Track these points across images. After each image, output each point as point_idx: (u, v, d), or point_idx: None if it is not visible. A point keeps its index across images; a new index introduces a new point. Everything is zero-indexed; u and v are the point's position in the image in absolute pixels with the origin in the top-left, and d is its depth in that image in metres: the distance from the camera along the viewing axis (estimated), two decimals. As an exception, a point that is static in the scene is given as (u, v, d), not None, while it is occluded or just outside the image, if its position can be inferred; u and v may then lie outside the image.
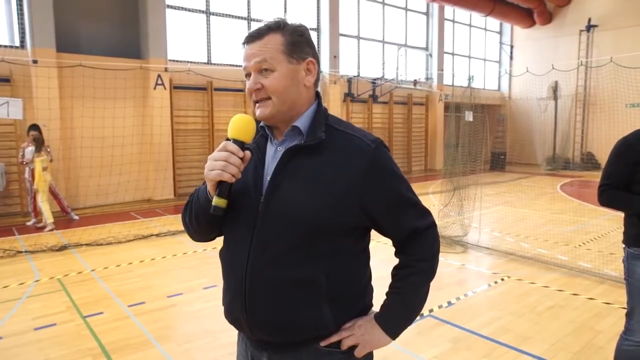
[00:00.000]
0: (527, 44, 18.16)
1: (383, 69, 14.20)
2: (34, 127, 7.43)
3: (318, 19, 12.72)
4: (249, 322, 1.21)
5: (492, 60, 19.02)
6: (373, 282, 1.35)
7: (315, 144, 1.17)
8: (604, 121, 14.93)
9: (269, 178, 1.19)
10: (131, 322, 3.82)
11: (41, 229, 7.25)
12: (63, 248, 6.08)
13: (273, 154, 1.23)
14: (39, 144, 7.20)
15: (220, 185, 1.14)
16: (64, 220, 7.81)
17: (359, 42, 13.94)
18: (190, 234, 1.35)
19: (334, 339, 1.21)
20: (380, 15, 14.46)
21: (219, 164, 1.12)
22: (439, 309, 4.06)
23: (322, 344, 1.21)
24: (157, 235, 6.76)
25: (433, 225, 1.28)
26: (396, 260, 1.31)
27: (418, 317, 3.77)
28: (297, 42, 1.20)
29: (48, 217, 7.23)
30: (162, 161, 9.63)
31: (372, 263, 1.33)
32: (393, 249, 1.32)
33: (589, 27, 16.22)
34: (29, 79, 8.13)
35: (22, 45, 8.37)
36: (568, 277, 4.87)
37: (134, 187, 9.28)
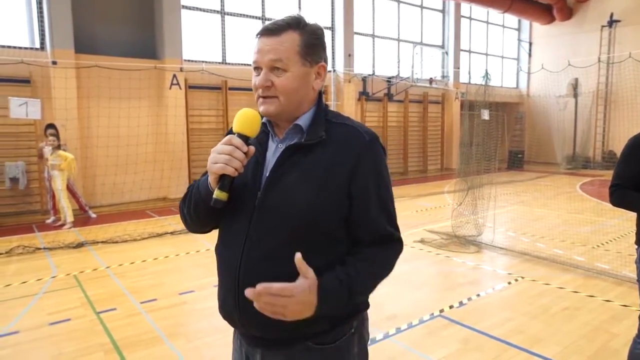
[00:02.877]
0: (546, 41, 17.82)
1: (398, 67, 14.06)
2: (51, 126, 7.59)
3: (332, 18, 12.65)
4: (242, 317, 1.21)
5: (510, 57, 18.72)
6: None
7: (315, 143, 1.18)
8: (626, 119, 14.56)
9: (267, 174, 1.20)
10: (143, 318, 3.87)
11: (60, 226, 7.38)
12: (80, 245, 6.18)
13: (274, 151, 1.24)
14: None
15: (223, 178, 1.14)
16: (81, 218, 7.96)
17: (373, 41, 13.86)
18: (186, 224, 1.35)
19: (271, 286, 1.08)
20: (395, 13, 14.37)
21: (223, 158, 1.12)
22: (450, 309, 4.01)
23: (315, 343, 1.20)
24: (171, 233, 6.82)
25: (401, 240, 1.26)
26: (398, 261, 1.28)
27: (428, 317, 3.77)
28: (314, 45, 1.20)
29: (69, 216, 7.37)
30: (177, 160, 9.69)
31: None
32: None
33: (611, 23, 15.82)
34: (48, 80, 8.28)
35: (42, 47, 8.54)
36: (584, 279, 4.76)
37: (149, 186, 9.37)
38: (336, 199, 1.16)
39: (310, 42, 1.19)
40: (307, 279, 1.09)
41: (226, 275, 1.24)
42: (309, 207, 1.14)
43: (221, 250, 1.28)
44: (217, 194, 1.13)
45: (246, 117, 1.17)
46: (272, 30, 1.17)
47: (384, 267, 1.23)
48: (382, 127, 13.69)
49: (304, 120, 1.22)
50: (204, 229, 1.36)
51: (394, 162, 14.06)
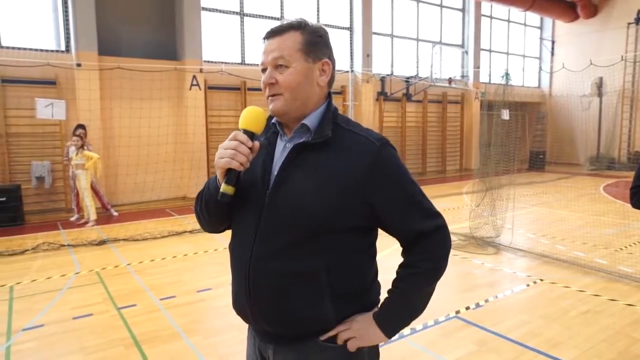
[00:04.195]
0: (570, 39, 17.44)
1: (417, 67, 13.95)
2: (80, 126, 7.79)
3: (351, 18, 12.62)
4: (253, 313, 1.24)
5: (532, 56, 18.38)
6: (387, 279, 1.34)
7: (322, 142, 1.20)
8: (653, 119, 14.13)
9: (276, 171, 1.22)
10: (162, 314, 3.96)
11: (83, 224, 7.53)
12: (102, 243, 6.31)
13: (282, 150, 1.26)
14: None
15: (229, 173, 1.17)
16: (104, 216, 8.12)
17: (392, 41, 13.78)
18: (200, 223, 1.39)
19: (332, 333, 1.22)
20: (414, 13, 14.28)
21: (229, 152, 1.16)
22: (466, 310, 3.99)
23: (322, 338, 1.23)
24: (190, 232, 6.91)
25: (441, 227, 1.26)
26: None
27: (443, 318, 3.74)
28: (315, 42, 1.23)
29: (92, 214, 7.53)
30: (196, 160, 9.78)
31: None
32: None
33: (638, 20, 15.39)
34: (72, 82, 8.49)
35: (67, 49, 8.75)
36: (606, 282, 4.66)
37: (169, 185, 9.54)
38: (344, 202, 1.16)
39: (312, 40, 1.22)
40: (350, 329, 1.23)
41: (238, 271, 1.27)
42: (314, 205, 1.15)
43: (233, 247, 1.31)
44: (224, 187, 1.16)
45: (251, 114, 1.22)
46: (275, 32, 1.22)
47: (437, 262, 1.26)
48: (400, 128, 13.64)
49: (311, 120, 1.24)
50: (216, 228, 1.38)
51: (412, 163, 13.97)
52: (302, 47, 1.21)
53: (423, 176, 14.00)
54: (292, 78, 1.20)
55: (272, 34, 1.23)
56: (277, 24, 1.25)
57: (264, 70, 1.24)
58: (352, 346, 1.23)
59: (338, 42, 12.36)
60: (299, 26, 1.22)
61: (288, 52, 1.19)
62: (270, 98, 1.24)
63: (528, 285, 4.63)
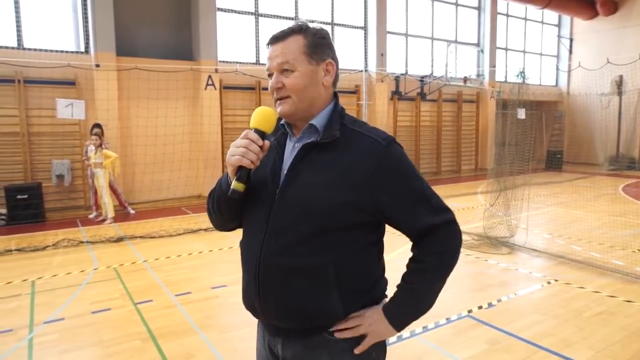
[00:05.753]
0: (589, 37, 17.11)
1: (432, 66, 13.79)
2: (97, 125, 7.86)
3: (365, 17, 12.59)
4: (262, 307, 1.28)
5: (550, 54, 18.09)
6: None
7: (330, 142, 1.23)
8: (675, 118, 13.77)
9: (286, 170, 1.26)
10: (177, 310, 4.04)
11: (101, 221, 7.64)
12: (120, 240, 6.40)
13: (291, 150, 1.30)
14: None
15: (240, 170, 1.20)
16: (121, 213, 8.23)
17: (407, 40, 13.72)
18: (212, 220, 1.43)
19: (341, 326, 1.25)
20: (429, 12, 14.18)
21: (240, 150, 1.19)
22: (479, 309, 3.98)
23: (331, 329, 1.25)
24: (205, 229, 6.94)
25: (450, 221, 1.27)
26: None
27: (455, 317, 3.74)
28: (318, 44, 1.26)
29: (110, 212, 7.65)
30: (211, 159, 9.84)
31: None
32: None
33: (659, 17, 15.03)
34: (91, 82, 8.65)
35: (86, 50, 8.93)
36: (622, 283, 4.60)
37: (185, 183, 9.57)
38: (352, 199, 1.18)
39: (315, 42, 1.25)
40: (361, 325, 1.25)
41: (248, 267, 1.31)
42: (323, 202, 1.18)
43: (243, 244, 1.36)
44: (235, 184, 1.19)
45: (262, 114, 1.24)
46: (278, 37, 1.25)
47: (446, 257, 1.27)
48: (415, 127, 13.60)
49: (318, 120, 1.27)
50: (227, 225, 1.42)
51: (427, 162, 13.94)
52: (306, 50, 1.23)
53: (438, 176, 13.90)
54: (298, 81, 1.23)
55: (275, 39, 1.26)
56: (291, 24, 1.28)
57: (270, 75, 1.27)
58: (366, 343, 1.26)
59: (352, 41, 12.31)
60: (301, 30, 1.25)
61: (292, 56, 1.22)
62: (278, 101, 1.27)
63: (542, 285, 4.59)
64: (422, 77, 13.43)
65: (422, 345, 3.31)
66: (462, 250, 4.28)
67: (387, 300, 1.33)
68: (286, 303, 1.24)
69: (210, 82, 9.80)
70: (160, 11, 9.70)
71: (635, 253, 5.67)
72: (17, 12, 8.27)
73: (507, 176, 6.39)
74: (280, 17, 11.06)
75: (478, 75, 15.06)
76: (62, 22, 8.85)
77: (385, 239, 1.35)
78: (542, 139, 15.74)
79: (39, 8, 8.53)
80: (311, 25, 1.27)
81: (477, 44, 15.37)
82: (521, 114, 6.83)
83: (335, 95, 1.33)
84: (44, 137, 8.50)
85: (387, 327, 1.26)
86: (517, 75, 6.60)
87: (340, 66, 1.33)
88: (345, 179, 1.19)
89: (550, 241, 6.27)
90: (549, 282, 4.66)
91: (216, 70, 9.89)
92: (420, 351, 3.24)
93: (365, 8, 12.56)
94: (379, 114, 12.21)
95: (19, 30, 8.31)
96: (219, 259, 5.61)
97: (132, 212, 8.34)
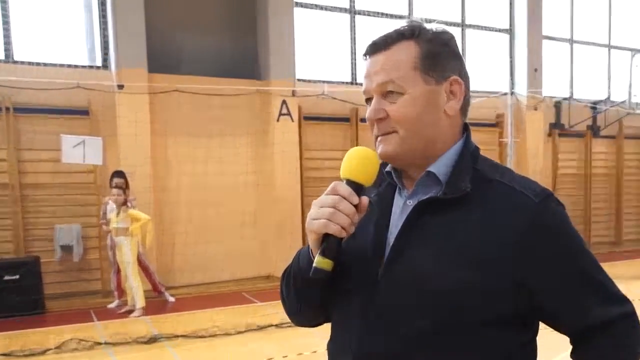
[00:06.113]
0: None
1: (609, 87, 11.86)
2: (118, 174, 6.70)
3: (511, 17, 10.80)
4: None
5: None
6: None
7: (457, 198, 1.03)
8: None
9: (393, 238, 1.07)
10: None
11: (127, 313, 6.70)
12: (153, 340, 5.86)
13: (401, 208, 1.10)
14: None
15: (326, 240, 1.00)
16: (155, 301, 7.07)
17: (572, 48, 11.57)
18: (288, 312, 1.23)
19: None
20: (605, 8, 11.84)
21: (326, 212, 0.99)
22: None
23: None
24: (277, 325, 6.25)
25: (630, 314, 1.02)
26: None
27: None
28: (438, 54, 1.03)
29: (139, 299, 6.62)
30: (287, 223, 8.41)
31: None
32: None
33: None
34: (112, 110, 7.28)
35: (105, 65, 7.72)
36: None
37: (246, 259, 8.34)
38: (488, 287, 0.98)
39: (433, 50, 1.02)
40: None
41: None
42: (444, 288, 0.99)
43: (332, 345, 1.17)
44: (318, 260, 1.00)
45: (358, 158, 1.04)
46: (380, 44, 1.04)
47: (628, 354, 1.02)
48: (584, 175, 11.73)
49: (440, 166, 1.04)
50: (310, 319, 1.22)
51: (601, 228, 12.22)
52: (420, 64, 1.01)
53: (617, 247, 12.00)
54: (408, 109, 1.01)
55: (375, 48, 1.04)
56: (401, 24, 1.03)
57: (368, 99, 1.05)
58: None
59: (492, 50, 10.90)
60: (413, 33, 1.02)
61: (399, 73, 1.00)
62: (379, 138, 1.05)
63: None
64: (595, 102, 11.51)
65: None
66: None
67: None
68: None
69: (285, 111, 8.35)
70: (211, 11, 8.32)
71: None
72: (5, 10, 7.02)
73: None
74: (386, 15, 9.34)
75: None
76: (70, 26, 7.67)
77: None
78: None
79: (38, 8, 7.41)
80: (428, 26, 1.05)
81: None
82: None
83: (465, 128, 1.10)
84: (42, 191, 7.31)
85: None
86: None
87: (472, 86, 1.09)
88: (477, 253, 0.98)
89: None
90: None
91: (293, 94, 8.40)
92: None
93: (512, 4, 10.71)
94: (530, 155, 10.82)
95: (6, 37, 7.03)
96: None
97: (171, 299, 7.27)
